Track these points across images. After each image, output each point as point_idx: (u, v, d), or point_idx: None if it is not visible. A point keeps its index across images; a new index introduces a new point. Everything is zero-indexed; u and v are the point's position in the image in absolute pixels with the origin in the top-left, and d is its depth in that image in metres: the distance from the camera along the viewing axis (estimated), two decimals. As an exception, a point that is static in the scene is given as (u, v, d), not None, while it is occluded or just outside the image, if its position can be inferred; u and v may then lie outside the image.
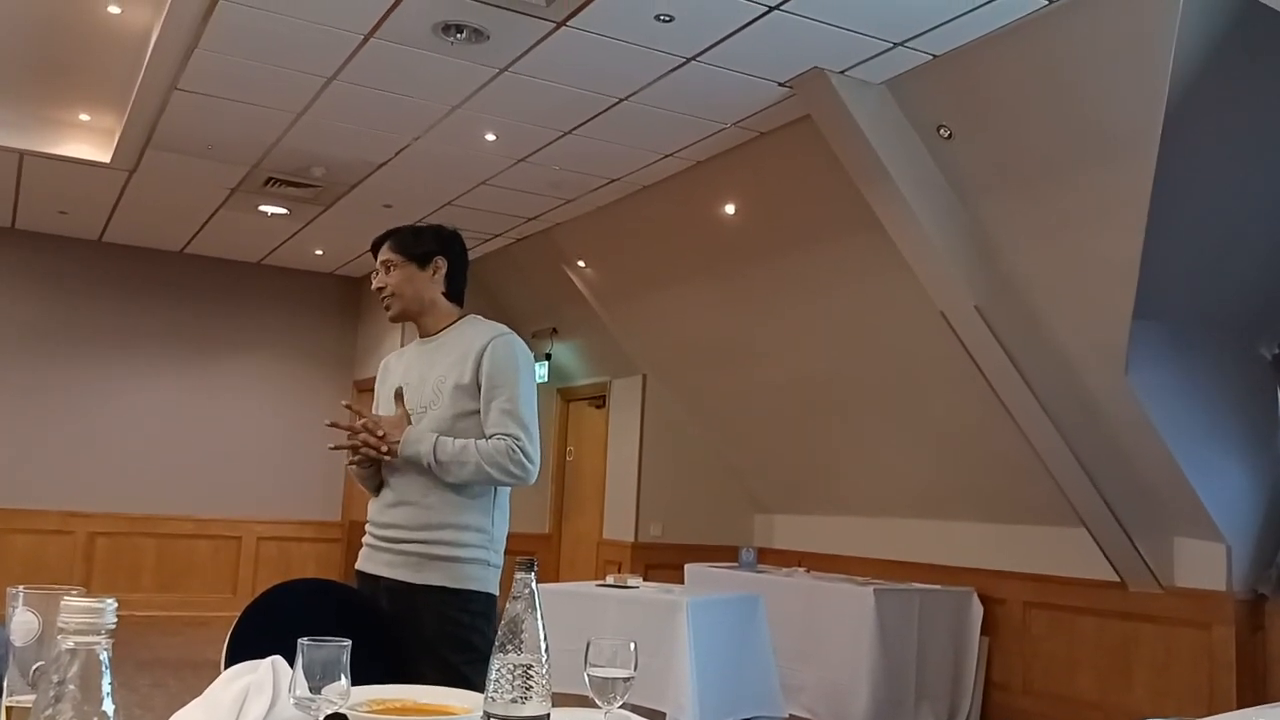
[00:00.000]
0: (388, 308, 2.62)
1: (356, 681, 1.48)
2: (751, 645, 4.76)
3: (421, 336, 2.65)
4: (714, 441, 8.27)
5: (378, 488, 2.58)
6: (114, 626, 0.76)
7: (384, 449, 2.42)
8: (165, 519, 9.05)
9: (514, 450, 2.40)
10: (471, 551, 2.43)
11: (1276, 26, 3.72)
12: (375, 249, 2.64)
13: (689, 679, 4.28)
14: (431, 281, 2.60)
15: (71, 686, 0.72)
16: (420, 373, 2.56)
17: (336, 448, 2.52)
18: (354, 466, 2.54)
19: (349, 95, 5.34)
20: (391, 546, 2.46)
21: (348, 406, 2.55)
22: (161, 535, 9.04)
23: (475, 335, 2.54)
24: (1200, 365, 5.01)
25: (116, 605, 0.76)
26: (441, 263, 2.61)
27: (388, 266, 2.59)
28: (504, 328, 2.58)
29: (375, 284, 2.61)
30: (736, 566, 6.89)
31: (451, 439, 2.42)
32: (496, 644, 1.31)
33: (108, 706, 0.73)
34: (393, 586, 2.44)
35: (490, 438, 2.42)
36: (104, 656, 0.75)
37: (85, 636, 0.74)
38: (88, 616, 0.74)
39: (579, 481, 9.31)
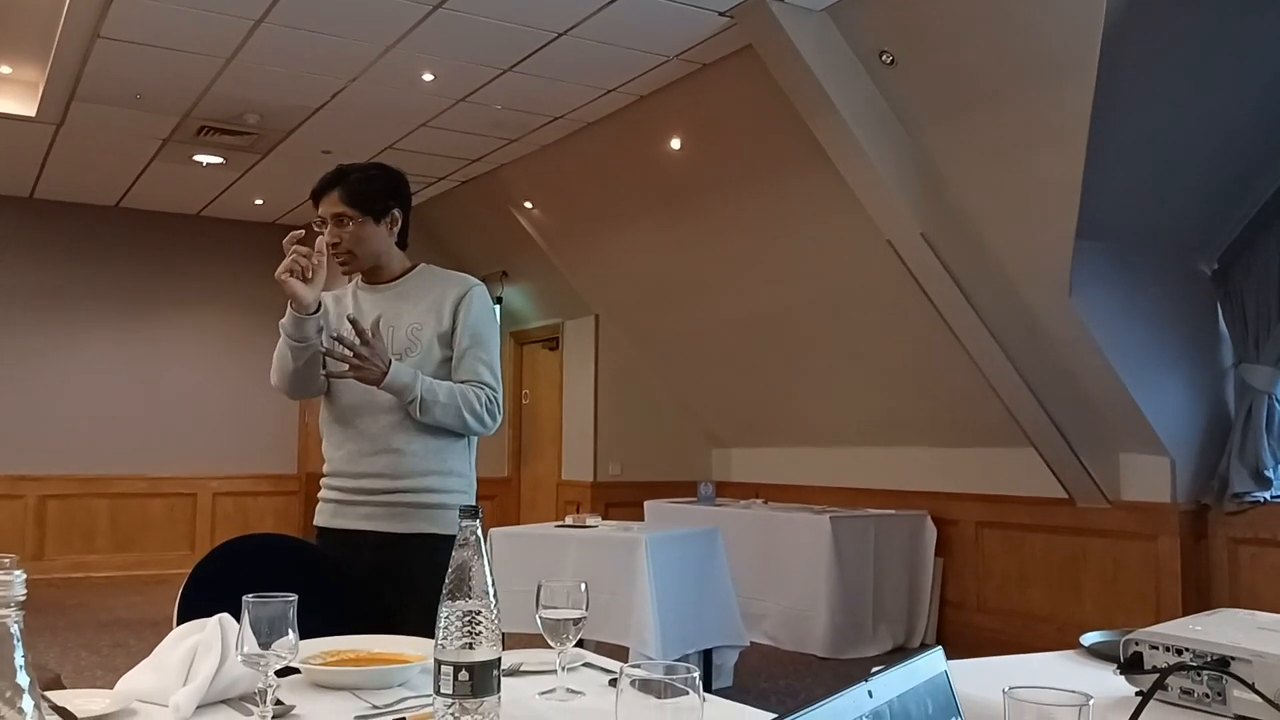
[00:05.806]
0: (344, 264, 2.48)
1: (311, 634, 1.48)
2: (711, 577, 4.80)
3: (369, 283, 2.54)
4: (669, 378, 8.29)
5: (291, 380, 2.44)
6: (23, 598, 0.74)
7: (376, 370, 2.30)
8: (117, 479, 8.93)
9: (490, 401, 2.41)
10: (456, 497, 2.41)
11: (1212, -59, 3.71)
12: (319, 195, 2.46)
13: (650, 614, 4.32)
14: (389, 236, 2.49)
15: (-18, 663, 0.70)
16: (385, 320, 2.46)
17: (328, 374, 2.43)
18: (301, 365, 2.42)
19: (279, 38, 5.19)
20: (371, 499, 2.40)
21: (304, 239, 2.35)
22: (114, 495, 8.93)
23: (446, 283, 2.48)
24: (1142, 283, 5.08)
25: (25, 577, 0.73)
26: (398, 215, 2.50)
27: (341, 220, 2.43)
28: (473, 278, 2.52)
29: (328, 239, 2.43)
30: (696, 501, 6.96)
31: (433, 379, 2.37)
32: (445, 591, 1.31)
33: (22, 679, 0.71)
34: (376, 539, 2.39)
35: (463, 384, 2.39)
36: (15, 629, 0.72)
37: (-7, 610, 0.71)
38: (-7, 589, 0.71)
39: (536, 424, 9.30)
